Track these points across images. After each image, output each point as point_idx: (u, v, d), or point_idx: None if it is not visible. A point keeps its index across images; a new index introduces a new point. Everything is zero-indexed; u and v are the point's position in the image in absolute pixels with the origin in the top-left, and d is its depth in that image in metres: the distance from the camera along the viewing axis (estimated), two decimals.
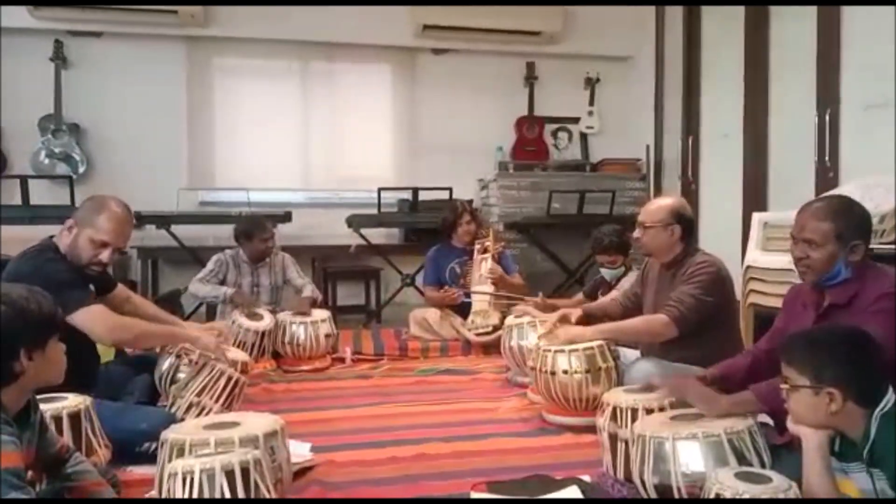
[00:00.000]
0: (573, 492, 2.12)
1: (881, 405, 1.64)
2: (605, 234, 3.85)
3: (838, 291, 2.06)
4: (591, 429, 2.48)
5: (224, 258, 4.36)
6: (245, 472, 1.71)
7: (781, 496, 1.59)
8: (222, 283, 4.31)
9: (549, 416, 2.90)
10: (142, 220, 4.90)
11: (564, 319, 3.07)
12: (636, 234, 3.00)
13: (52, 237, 2.66)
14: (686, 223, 2.91)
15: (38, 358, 1.61)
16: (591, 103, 6.67)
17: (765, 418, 2.13)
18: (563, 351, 2.82)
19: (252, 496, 1.71)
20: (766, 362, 2.21)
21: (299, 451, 2.42)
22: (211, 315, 4.61)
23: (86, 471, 1.83)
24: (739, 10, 5.01)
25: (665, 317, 2.75)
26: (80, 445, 2.09)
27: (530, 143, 6.50)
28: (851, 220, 2.06)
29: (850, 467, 1.70)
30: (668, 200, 3.03)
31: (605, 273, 3.90)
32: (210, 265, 4.35)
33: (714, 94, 5.50)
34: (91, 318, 2.48)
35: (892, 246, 2.96)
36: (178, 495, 1.67)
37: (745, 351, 2.44)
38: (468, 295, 4.30)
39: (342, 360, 4.07)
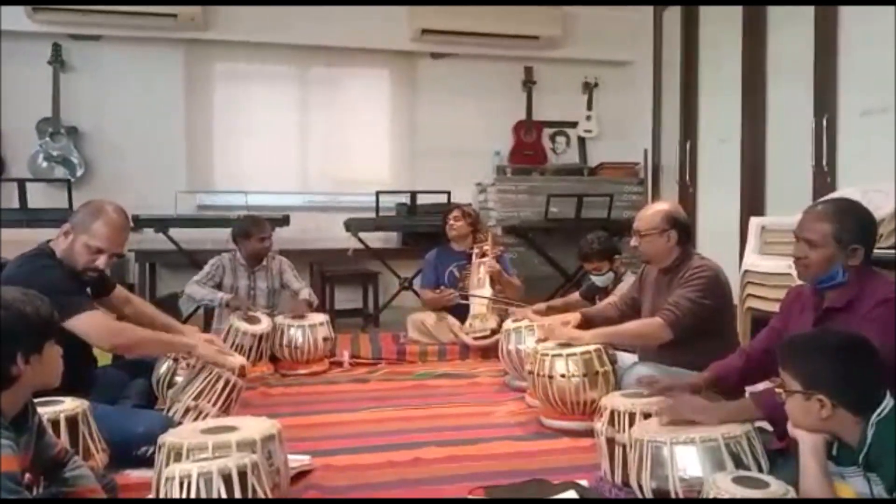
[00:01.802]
0: (570, 496, 2.12)
1: (878, 410, 1.64)
2: (587, 243, 3.87)
3: (836, 295, 2.05)
4: (589, 433, 2.48)
5: (221, 261, 4.36)
6: (242, 476, 1.72)
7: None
8: (219, 286, 4.30)
9: (547, 420, 2.90)
10: (139, 223, 4.90)
11: (564, 324, 3.07)
12: (633, 242, 3.00)
13: (48, 241, 2.64)
14: (681, 227, 2.91)
15: (34, 361, 1.61)
16: (590, 107, 6.68)
17: (764, 424, 2.13)
18: (560, 355, 2.82)
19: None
20: (759, 362, 2.21)
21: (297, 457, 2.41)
22: (209, 318, 4.60)
23: (83, 476, 1.83)
24: (737, 16, 5.02)
25: (660, 320, 2.77)
26: (77, 449, 2.08)
27: (528, 148, 6.50)
28: (852, 223, 2.04)
29: (848, 471, 1.69)
30: (662, 206, 3.03)
31: (595, 279, 3.91)
32: (207, 267, 4.35)
33: (712, 98, 5.51)
34: (89, 324, 2.47)
35: (890, 251, 2.96)
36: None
37: (739, 350, 2.43)
38: (465, 297, 4.30)
39: (340, 363, 4.07)
